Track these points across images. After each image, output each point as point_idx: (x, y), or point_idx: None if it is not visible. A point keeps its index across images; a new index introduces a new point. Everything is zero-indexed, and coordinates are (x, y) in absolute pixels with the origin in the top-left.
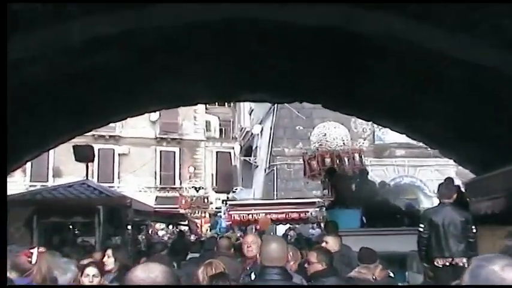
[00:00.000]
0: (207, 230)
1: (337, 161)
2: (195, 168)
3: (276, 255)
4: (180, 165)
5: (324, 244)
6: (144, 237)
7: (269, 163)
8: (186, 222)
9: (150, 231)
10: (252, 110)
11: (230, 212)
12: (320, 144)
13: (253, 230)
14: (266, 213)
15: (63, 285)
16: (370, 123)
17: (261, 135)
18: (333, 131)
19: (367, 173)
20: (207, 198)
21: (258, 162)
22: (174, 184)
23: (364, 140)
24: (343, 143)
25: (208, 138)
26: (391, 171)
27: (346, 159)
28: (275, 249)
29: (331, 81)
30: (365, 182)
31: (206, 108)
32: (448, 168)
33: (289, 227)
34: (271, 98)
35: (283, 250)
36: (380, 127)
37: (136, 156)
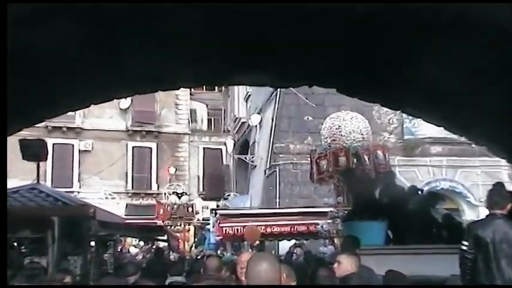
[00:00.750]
0: (191, 247)
1: (355, 161)
2: (176, 169)
3: (264, 278)
4: (157, 165)
5: (336, 265)
6: (111, 256)
7: (270, 163)
8: (165, 237)
9: (119, 249)
10: (249, 96)
11: (221, 225)
12: (333, 140)
13: (250, 247)
14: (266, 226)
15: (63, 285)
16: (398, 112)
17: (260, 127)
18: (350, 123)
19: (394, 176)
20: (192, 207)
21: (255, 162)
22: (150, 189)
23: (390, 134)
24: (363, 138)
25: (193, 131)
26: (424, 173)
27: (366, 158)
28: (265, 270)
29: (350, 59)
30: (391, 187)
31: (191, 94)
32: (498, 170)
33: (295, 243)
34: (272, 81)
35: (274, 271)
36: (411, 118)
37: (102, 154)
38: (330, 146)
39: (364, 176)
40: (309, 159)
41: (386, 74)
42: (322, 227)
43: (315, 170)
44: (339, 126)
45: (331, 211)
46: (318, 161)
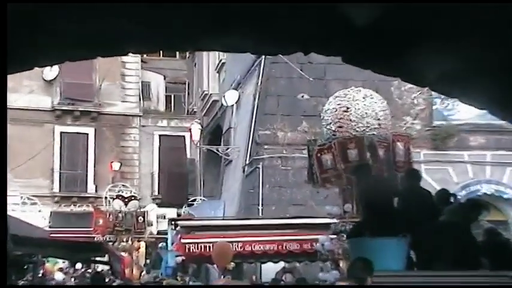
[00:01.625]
0: (142, 271)
1: (369, 155)
2: (122, 164)
3: None
4: (96, 158)
5: None
6: (30, 284)
7: (250, 157)
8: (106, 258)
9: (41, 274)
10: (222, 66)
11: (183, 240)
12: (339, 126)
13: (222, 273)
14: (245, 243)
15: (63, 285)
16: (425, 90)
17: (238, 108)
18: (362, 104)
19: (419, 176)
20: (144, 216)
21: (231, 155)
22: (86, 191)
23: (415, 118)
24: (379, 124)
25: (146, 112)
26: (460, 172)
27: (382, 152)
28: None
29: (361, 15)
30: (415, 191)
31: (143, 61)
32: None
33: (284, 267)
34: (255, 45)
35: None
36: (443, 97)
37: (19, 143)
38: (334, 135)
39: (380, 176)
40: (305, 152)
41: (411, 36)
42: (322, 245)
43: (316, 168)
44: (348, 109)
45: (335, 223)
46: (319, 155)
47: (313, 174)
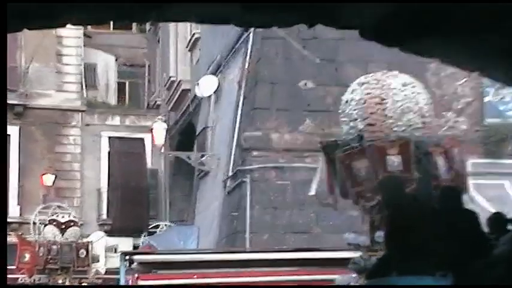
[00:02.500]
0: None
1: (415, 164)
2: (56, 177)
3: None
4: (21, 168)
5: None
6: None
7: (234, 166)
8: None
9: None
10: (196, 42)
11: (142, 282)
12: (369, 124)
13: None
14: (227, 285)
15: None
16: (474, 76)
17: (217, 100)
18: (402, 93)
19: (461, 194)
20: (87, 249)
21: (208, 165)
22: (6, 214)
23: (460, 115)
24: (423, 123)
25: (91, 105)
26: None
27: (439, 160)
28: None
29: None
30: (459, 214)
31: (87, 36)
32: None
33: None
34: (241, 14)
35: None
36: (497, 86)
37: None
38: (361, 136)
39: (414, 192)
40: (308, 160)
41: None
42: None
43: (345, 178)
44: (382, 100)
45: (358, 258)
46: (348, 162)
47: (342, 186)
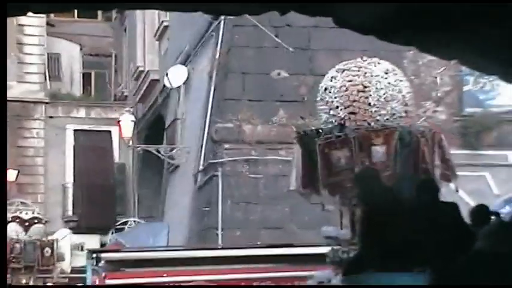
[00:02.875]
0: None
1: (396, 154)
2: (19, 172)
3: None
4: None
5: None
6: None
7: (205, 160)
8: None
9: None
10: (164, 31)
11: (109, 281)
12: (351, 112)
13: None
14: (198, 283)
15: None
16: (452, 64)
17: (187, 91)
18: (385, 81)
19: (438, 186)
20: (52, 247)
21: (177, 158)
22: None
23: (438, 104)
24: (405, 112)
25: (54, 97)
26: (502, 180)
27: (427, 149)
28: None
29: None
30: (437, 207)
31: (49, 25)
32: None
33: None
34: (209, 3)
35: None
36: (476, 73)
37: None
38: (343, 125)
39: (390, 186)
40: (282, 153)
41: None
42: (314, 283)
43: (321, 168)
44: (365, 88)
45: (330, 253)
46: (326, 150)
47: (320, 177)
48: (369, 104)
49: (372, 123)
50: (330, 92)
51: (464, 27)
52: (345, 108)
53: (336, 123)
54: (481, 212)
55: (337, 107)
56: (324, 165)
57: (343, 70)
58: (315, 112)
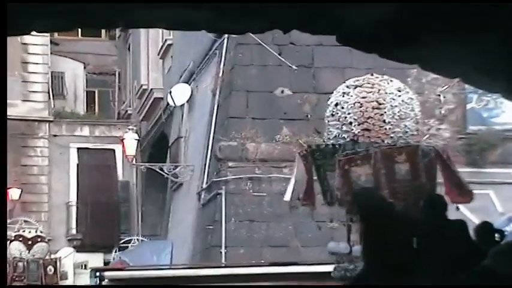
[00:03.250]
0: None
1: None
2: (22, 191)
3: None
4: None
5: None
6: None
7: (209, 178)
8: None
9: None
10: (168, 49)
11: None
12: (365, 129)
13: None
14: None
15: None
16: (456, 82)
17: (191, 109)
18: (399, 99)
19: (444, 204)
20: (55, 266)
21: (181, 176)
22: None
23: (442, 122)
24: (417, 130)
25: (58, 115)
26: (507, 197)
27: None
28: None
29: None
30: (443, 225)
31: (54, 43)
32: None
33: None
34: (211, 19)
35: None
36: (480, 92)
37: None
38: (355, 141)
39: (392, 204)
40: (286, 171)
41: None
42: None
43: (340, 184)
44: (380, 105)
45: (337, 268)
46: (346, 167)
47: (331, 193)
48: (384, 121)
49: (386, 141)
50: (342, 108)
51: (469, 45)
52: (359, 124)
53: (348, 139)
54: (486, 229)
55: (351, 123)
56: (343, 182)
57: (356, 86)
58: (322, 129)
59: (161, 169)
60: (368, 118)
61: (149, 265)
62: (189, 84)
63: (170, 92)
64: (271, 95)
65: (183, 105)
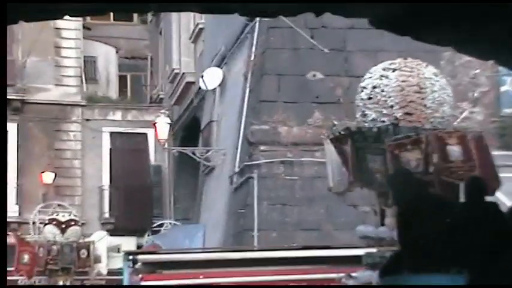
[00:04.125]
0: None
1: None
2: (56, 175)
3: None
4: (19, 166)
5: None
6: None
7: (241, 162)
8: None
9: None
10: (199, 33)
11: (145, 283)
12: (407, 113)
13: None
14: (234, 285)
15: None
16: (490, 64)
17: (222, 93)
18: (437, 84)
19: (483, 187)
20: (88, 249)
21: (213, 160)
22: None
23: (475, 105)
24: (453, 115)
25: (91, 100)
26: None
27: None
28: None
29: None
30: (478, 207)
31: (87, 28)
32: None
33: None
34: (245, 5)
35: None
36: None
37: None
38: (396, 125)
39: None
40: (318, 154)
41: None
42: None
43: (389, 167)
44: (421, 89)
45: (369, 252)
46: (397, 152)
47: (364, 175)
48: (425, 105)
49: (426, 125)
50: (382, 91)
51: (502, 27)
52: (401, 108)
53: (388, 123)
54: None
55: (392, 106)
56: (393, 166)
57: (394, 69)
58: (352, 113)
59: (193, 153)
60: (410, 102)
61: (182, 249)
62: (221, 68)
63: (202, 76)
64: (303, 79)
65: (214, 89)
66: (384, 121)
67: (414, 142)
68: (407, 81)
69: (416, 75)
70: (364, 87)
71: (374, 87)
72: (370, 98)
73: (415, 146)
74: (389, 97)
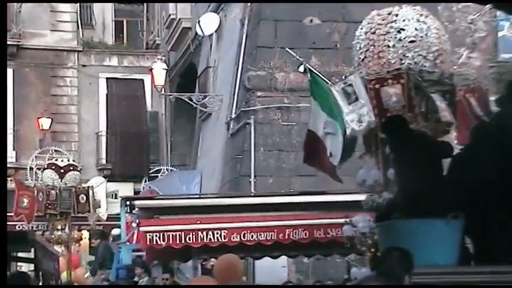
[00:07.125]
0: (85, 273)
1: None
2: (53, 121)
3: None
4: (15, 111)
5: None
6: None
7: (238, 108)
8: (33, 252)
9: None
10: None
11: (143, 228)
12: (424, 56)
13: (200, 269)
14: (232, 230)
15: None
16: (487, 9)
17: (219, 39)
18: (434, 29)
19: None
20: (87, 195)
21: (210, 106)
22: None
23: (472, 50)
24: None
25: (87, 45)
26: None
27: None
28: None
29: None
30: (474, 154)
31: None
32: None
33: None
34: None
35: None
36: None
37: None
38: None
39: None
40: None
41: None
42: (348, 229)
43: (375, 104)
44: (427, 34)
45: (368, 197)
46: (377, 86)
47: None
48: (446, 51)
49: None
50: (426, 35)
51: None
52: (439, 55)
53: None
54: None
55: (397, 50)
56: (375, 104)
57: (421, 14)
58: (348, 59)
59: (190, 99)
60: (441, 44)
61: (178, 194)
62: (218, 14)
63: (199, 22)
64: (300, 24)
65: (211, 35)
66: (425, 66)
67: (394, 77)
68: (435, 26)
69: (422, 20)
70: (402, 29)
71: (399, 30)
72: (396, 39)
73: (395, 81)
74: (432, 42)
